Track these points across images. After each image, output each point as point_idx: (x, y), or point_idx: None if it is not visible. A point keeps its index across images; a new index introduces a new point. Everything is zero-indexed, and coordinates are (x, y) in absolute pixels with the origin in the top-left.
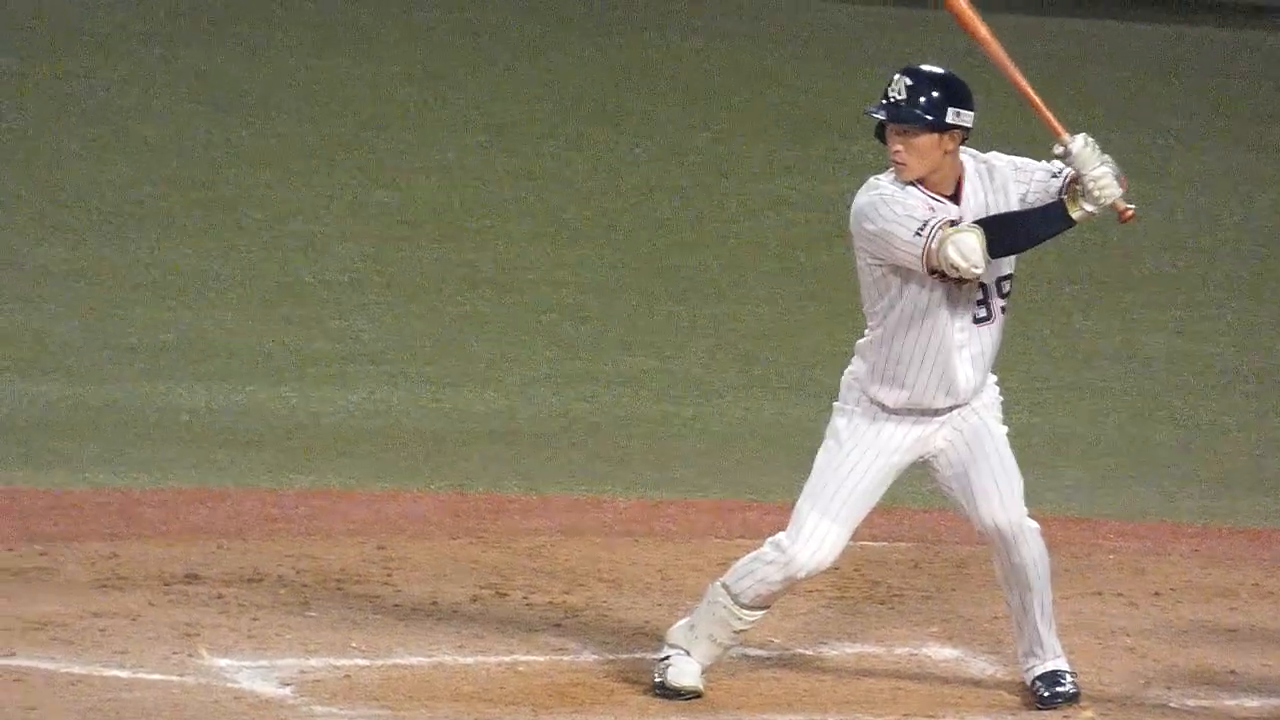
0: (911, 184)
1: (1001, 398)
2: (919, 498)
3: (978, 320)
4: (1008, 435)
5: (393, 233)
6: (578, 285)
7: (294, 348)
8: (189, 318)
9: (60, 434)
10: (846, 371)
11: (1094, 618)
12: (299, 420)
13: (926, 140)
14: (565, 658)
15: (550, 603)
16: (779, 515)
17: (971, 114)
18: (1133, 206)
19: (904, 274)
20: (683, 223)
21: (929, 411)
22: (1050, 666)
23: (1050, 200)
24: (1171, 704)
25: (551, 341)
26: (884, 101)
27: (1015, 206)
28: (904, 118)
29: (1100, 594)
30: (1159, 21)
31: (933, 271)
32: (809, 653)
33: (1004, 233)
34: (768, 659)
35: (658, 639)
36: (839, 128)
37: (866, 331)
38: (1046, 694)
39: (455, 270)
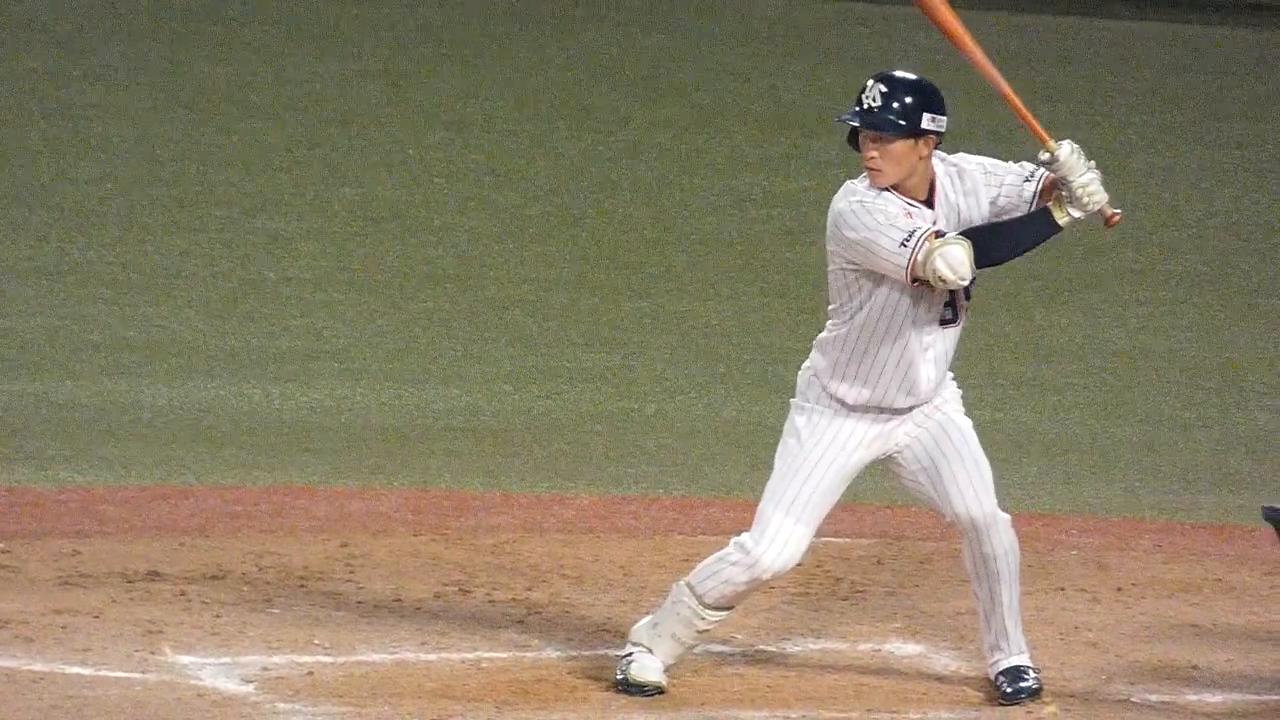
0: (886, 189)
1: (960, 392)
2: (881, 494)
3: (943, 323)
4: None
5: (355, 230)
6: (540, 282)
7: (257, 345)
8: (152, 315)
9: (22, 431)
10: (804, 367)
11: (1056, 613)
12: (261, 417)
13: (901, 146)
14: (528, 654)
15: (513, 599)
16: (741, 512)
17: (945, 119)
18: (1119, 211)
19: (877, 278)
20: (645, 219)
21: (889, 410)
22: (1014, 662)
23: (1023, 203)
24: (1133, 699)
25: (514, 338)
26: (857, 108)
27: (985, 209)
28: (879, 124)
29: (1063, 589)
30: (1119, 17)
31: (915, 280)
32: (772, 649)
33: (991, 243)
34: (731, 655)
35: (620, 635)
36: (802, 125)
37: (829, 326)
38: (1010, 689)
39: (418, 267)
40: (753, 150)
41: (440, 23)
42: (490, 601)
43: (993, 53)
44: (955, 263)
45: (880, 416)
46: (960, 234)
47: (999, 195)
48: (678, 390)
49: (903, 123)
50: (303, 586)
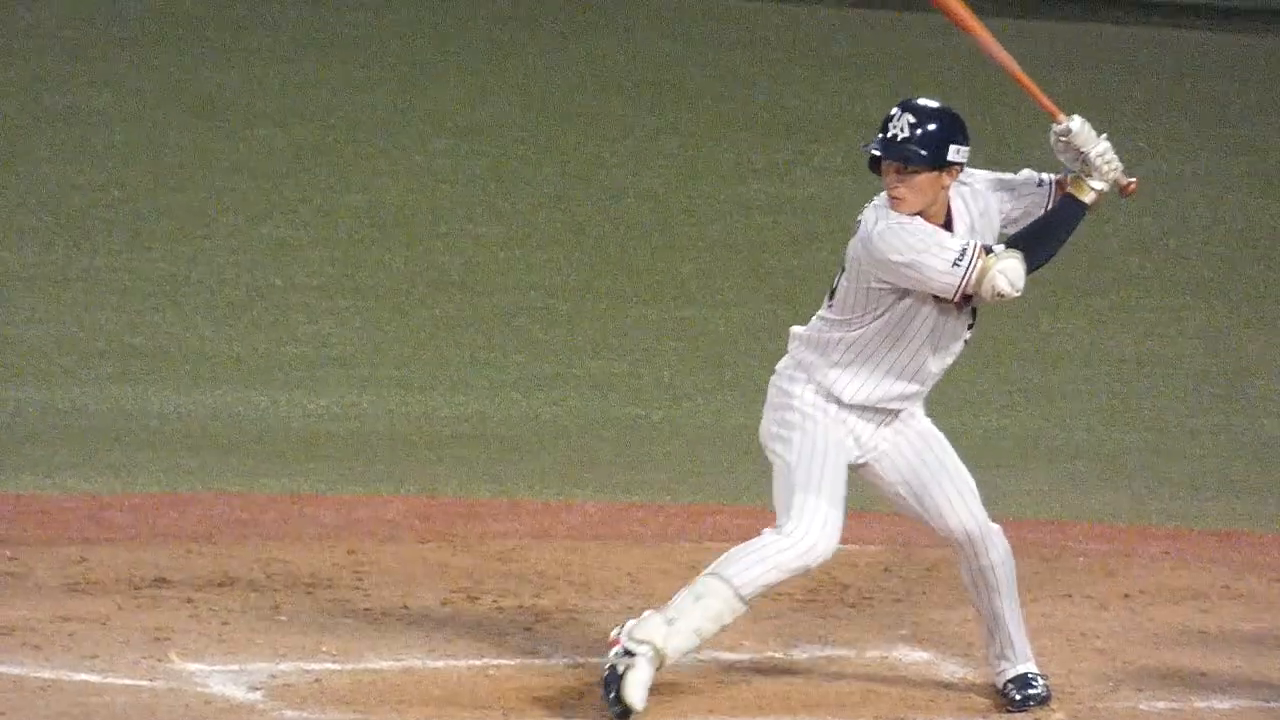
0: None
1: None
2: (887, 502)
3: (957, 335)
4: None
5: (362, 236)
6: (547, 289)
7: (264, 352)
8: (159, 322)
9: (29, 438)
10: (784, 367)
11: (1064, 620)
12: (268, 424)
13: (926, 178)
14: (536, 661)
15: (520, 606)
16: (748, 519)
17: (967, 149)
18: (1134, 179)
19: (901, 291)
20: (652, 226)
21: (883, 410)
22: (1021, 669)
23: (1038, 209)
24: (1141, 706)
25: (521, 345)
26: (883, 136)
27: (998, 225)
28: (906, 156)
29: (1070, 596)
30: (1126, 23)
31: (965, 298)
32: (779, 656)
33: (1037, 247)
34: (738, 662)
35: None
36: (808, 131)
37: (827, 325)
38: (1018, 697)
39: (425, 274)
40: (759, 157)
41: (447, 29)
42: (498, 608)
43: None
44: (1015, 276)
45: (871, 415)
46: (1008, 246)
47: (1013, 207)
48: (684, 397)
49: (929, 155)
50: (310, 594)
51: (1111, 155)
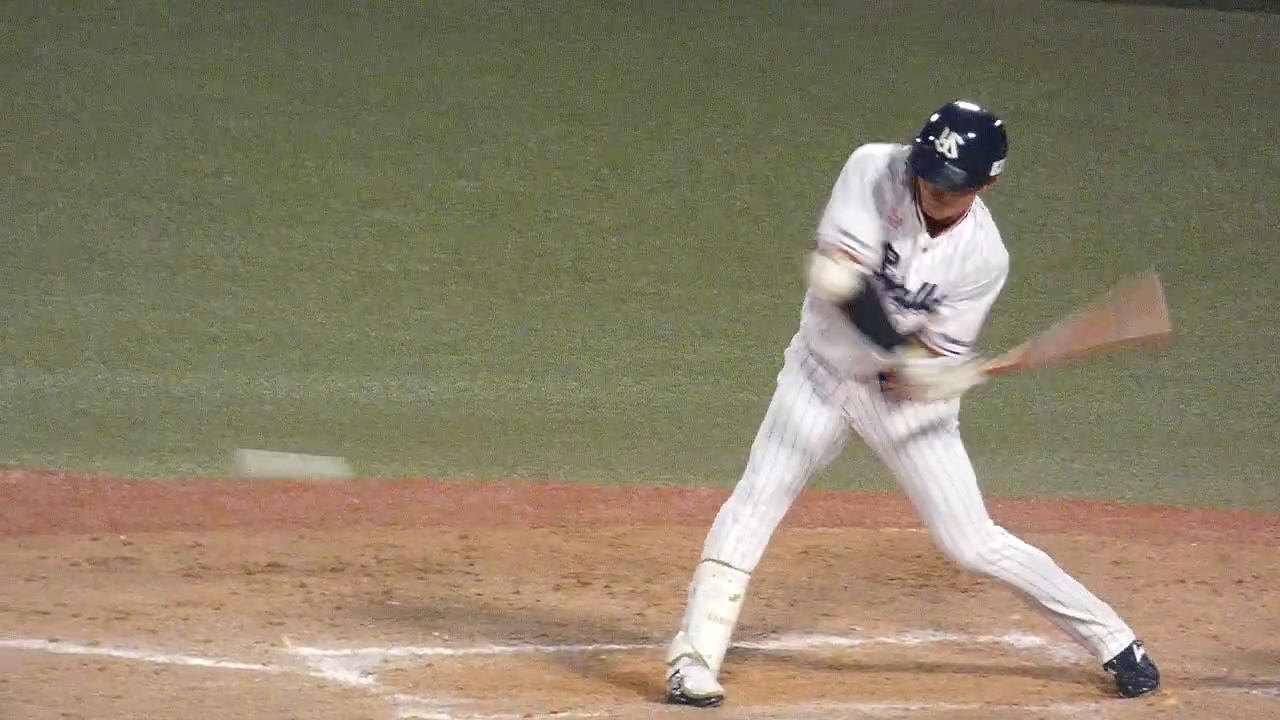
0: (912, 190)
1: (956, 418)
2: (999, 487)
3: (899, 300)
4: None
5: (473, 222)
6: (658, 274)
7: (375, 337)
8: (271, 308)
9: (143, 424)
10: (797, 334)
11: (1177, 605)
12: (380, 410)
13: (969, 195)
14: (648, 646)
15: (632, 591)
16: (860, 504)
17: (1004, 161)
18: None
19: None
20: (763, 211)
21: (857, 377)
22: (1117, 646)
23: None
24: (1255, 691)
25: (632, 330)
26: (928, 149)
27: (938, 296)
28: (956, 184)
29: (1183, 582)
30: (1236, 8)
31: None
32: (892, 640)
33: (864, 313)
34: (850, 647)
35: (740, 627)
36: (918, 117)
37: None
38: (1124, 675)
39: (536, 259)
40: (869, 142)
41: (558, 14)
42: (609, 593)
43: (1113, 46)
44: (830, 284)
45: (831, 371)
46: (861, 277)
47: (942, 305)
48: None
49: (974, 177)
50: (422, 579)
51: (942, 392)
